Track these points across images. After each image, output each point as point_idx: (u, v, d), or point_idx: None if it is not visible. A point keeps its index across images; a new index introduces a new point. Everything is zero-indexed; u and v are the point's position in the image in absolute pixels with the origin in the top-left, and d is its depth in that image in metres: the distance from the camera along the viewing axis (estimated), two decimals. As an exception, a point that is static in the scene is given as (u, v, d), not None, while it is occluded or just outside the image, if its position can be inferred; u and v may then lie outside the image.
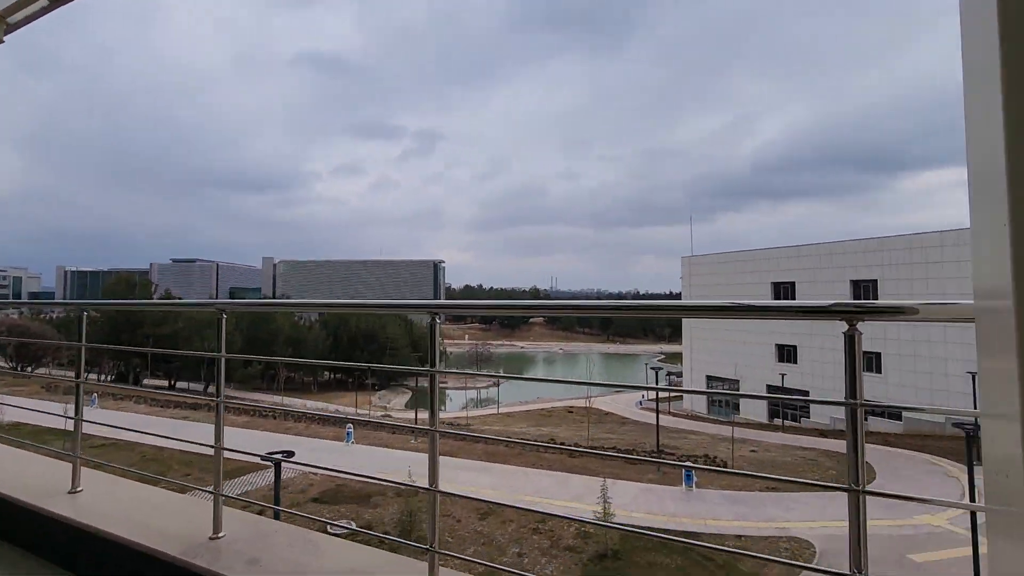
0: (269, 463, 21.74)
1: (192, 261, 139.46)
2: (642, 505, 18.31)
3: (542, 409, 56.94)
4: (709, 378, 55.29)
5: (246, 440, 26.36)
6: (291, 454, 10.19)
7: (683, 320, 59.27)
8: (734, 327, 52.39)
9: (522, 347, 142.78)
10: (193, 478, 21.10)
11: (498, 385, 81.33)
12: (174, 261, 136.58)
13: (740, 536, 15.85)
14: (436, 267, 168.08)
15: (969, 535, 15.92)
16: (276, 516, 10.91)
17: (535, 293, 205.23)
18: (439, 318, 1.95)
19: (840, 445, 30.77)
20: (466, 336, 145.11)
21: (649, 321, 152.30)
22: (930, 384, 38.31)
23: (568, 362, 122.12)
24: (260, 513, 15.06)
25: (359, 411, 48.62)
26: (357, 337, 67.50)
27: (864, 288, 42.13)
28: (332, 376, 71.29)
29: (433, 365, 1.97)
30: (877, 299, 41.22)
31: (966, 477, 22.66)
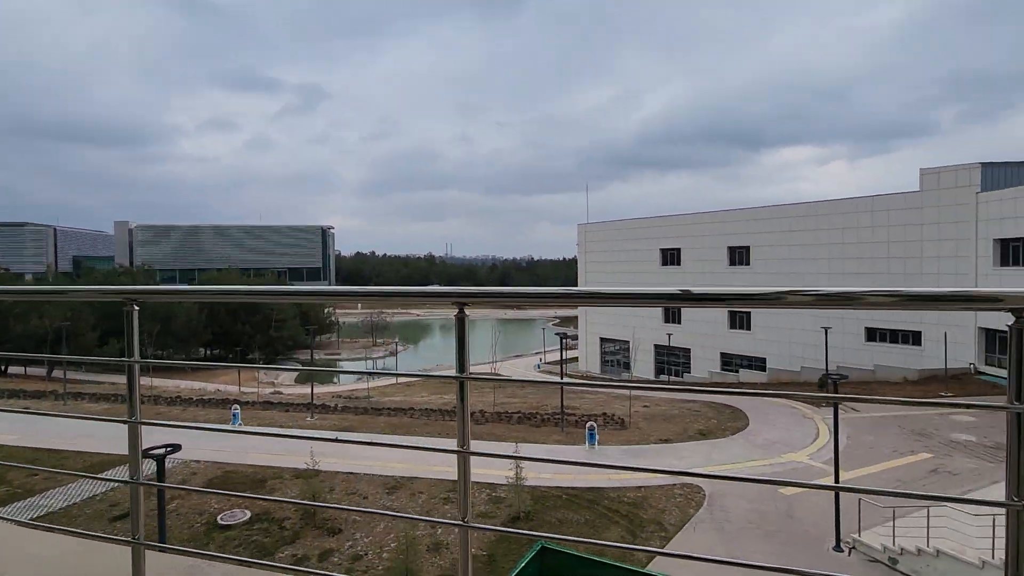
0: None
1: (21, 225, 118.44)
2: (550, 466, 18.82)
3: (443, 378, 56.69)
4: (603, 339, 58.28)
5: (119, 431, 23.16)
6: (176, 448, 8.83)
7: (579, 282, 61.48)
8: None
9: (418, 315, 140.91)
10: (42, 477, 18.17)
11: (395, 355, 79.72)
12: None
13: (640, 487, 16.87)
14: (324, 233, 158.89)
15: (827, 467, 18.33)
16: (161, 529, 9.52)
17: (430, 260, 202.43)
18: (466, 310, 1.44)
19: (714, 397, 34.05)
20: (359, 304, 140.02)
21: (545, 285, 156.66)
22: (788, 338, 43.50)
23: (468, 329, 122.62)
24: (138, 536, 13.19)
25: (242, 389, 45.04)
26: (237, 310, 61.98)
27: (739, 254, 46.20)
28: (208, 352, 65.21)
29: (463, 370, 1.48)
30: (749, 263, 45.75)
31: (819, 418, 26.09)
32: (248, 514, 15.12)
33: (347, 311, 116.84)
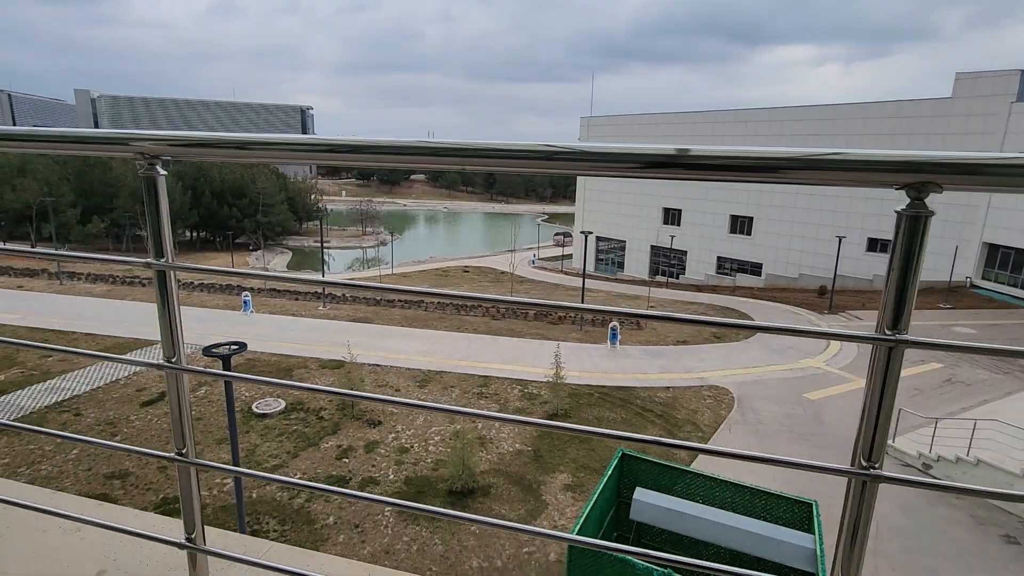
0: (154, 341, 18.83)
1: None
2: (575, 364, 18.91)
3: (438, 269, 56.27)
4: (598, 239, 57.80)
5: (123, 314, 22.42)
6: (242, 347, 8.11)
7: (578, 179, 59.70)
8: (623, 190, 54.06)
9: (404, 205, 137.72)
10: (57, 358, 17.63)
11: (385, 244, 78.44)
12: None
13: (668, 388, 17.15)
14: (304, 113, 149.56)
15: (844, 374, 18.80)
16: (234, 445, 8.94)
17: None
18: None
19: (715, 299, 34.47)
20: (343, 192, 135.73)
21: (531, 180, 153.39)
22: (788, 244, 43.57)
23: (451, 220, 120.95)
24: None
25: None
26: (224, 192, 59.19)
27: (749, 156, 44.63)
28: (194, 235, 63.18)
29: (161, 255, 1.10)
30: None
31: (825, 325, 26.59)
32: (282, 403, 14.98)
33: (332, 198, 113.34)
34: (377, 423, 14.18)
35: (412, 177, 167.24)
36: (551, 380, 15.30)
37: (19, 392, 15.17)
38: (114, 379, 16.37)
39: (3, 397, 14.76)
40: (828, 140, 39.21)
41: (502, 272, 54.76)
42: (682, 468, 8.23)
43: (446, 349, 19.99)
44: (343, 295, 27.20)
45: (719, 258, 48.11)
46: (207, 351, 7.81)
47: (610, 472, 8.25)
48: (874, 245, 39.45)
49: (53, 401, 14.67)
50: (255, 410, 14.58)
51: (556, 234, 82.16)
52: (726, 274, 46.51)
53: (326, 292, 25.82)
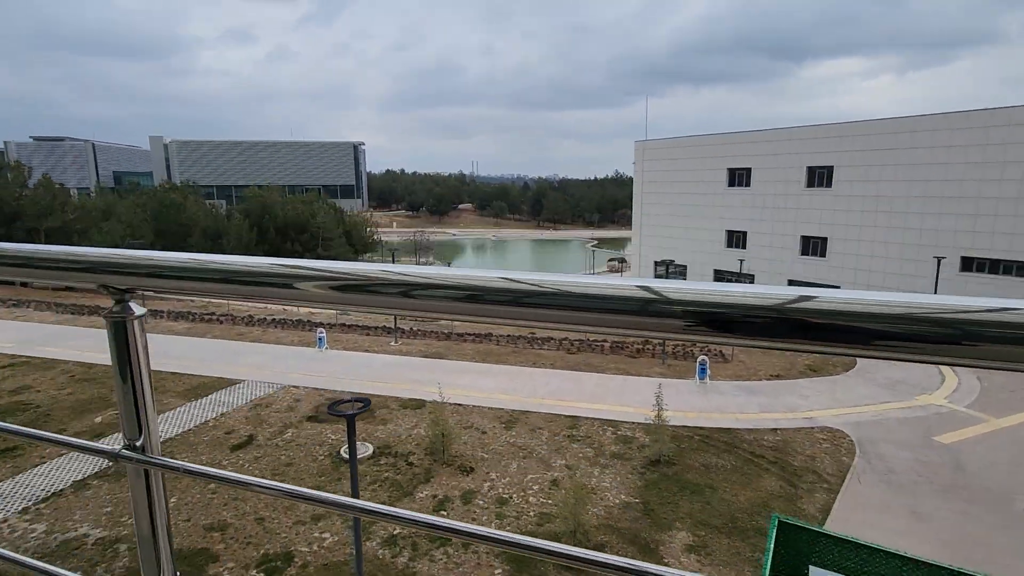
0: (239, 380, 18.81)
1: (60, 139, 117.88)
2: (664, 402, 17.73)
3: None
4: (656, 263, 56.22)
5: (204, 352, 22.87)
6: (367, 404, 7.63)
7: (635, 202, 58.62)
8: (682, 213, 52.55)
9: (453, 234, 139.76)
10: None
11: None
12: (36, 139, 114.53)
13: (776, 430, 15.72)
14: (356, 150, 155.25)
15: (975, 413, 16.79)
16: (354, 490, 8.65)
17: (461, 179, 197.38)
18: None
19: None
20: (394, 223, 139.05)
21: (579, 206, 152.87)
22: (869, 266, 40.87)
23: (500, 248, 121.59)
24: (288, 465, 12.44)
25: (302, 308, 45.20)
26: (286, 228, 61.40)
27: (819, 174, 42.67)
28: (260, 270, 65.50)
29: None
30: (831, 185, 42.18)
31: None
32: (370, 447, 14.53)
33: (384, 229, 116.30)
34: (470, 470, 13.47)
35: (460, 206, 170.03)
36: (650, 421, 14.24)
37: (117, 435, 15.34)
38: (202, 421, 16.42)
39: (103, 440, 14.93)
40: (894, 155, 36.95)
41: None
42: (859, 542, 7.05)
43: (526, 386, 19.21)
44: (411, 328, 27.01)
45: (790, 281, 45.66)
46: (332, 410, 7.35)
47: (772, 546, 7.15)
48: (969, 264, 36.41)
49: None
50: (343, 455, 14.16)
51: (610, 260, 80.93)
52: (799, 298, 43.95)
53: (397, 327, 25.67)
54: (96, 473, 13.21)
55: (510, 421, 16.33)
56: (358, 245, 79.16)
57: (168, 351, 22.85)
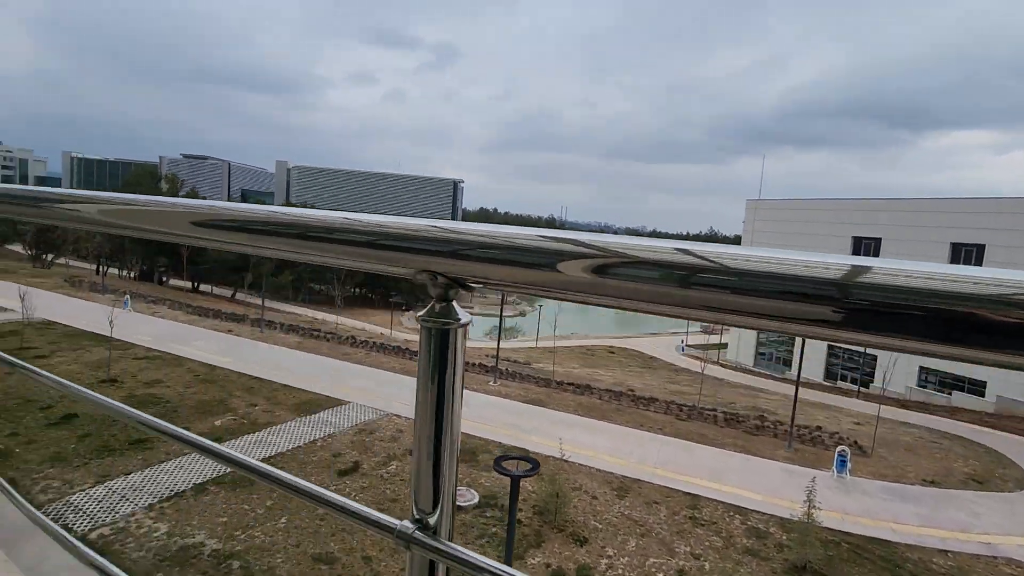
0: (345, 401, 18.84)
1: (204, 158, 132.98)
2: (791, 493, 15.55)
3: (582, 347, 54.52)
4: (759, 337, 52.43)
5: (313, 369, 23.46)
6: (535, 467, 6.86)
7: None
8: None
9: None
10: (261, 409, 18.36)
11: (524, 315, 79.05)
12: (185, 156, 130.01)
13: (946, 551, 13.16)
14: (455, 187, 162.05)
15: None
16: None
17: (551, 222, 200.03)
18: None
19: (948, 424, 28.19)
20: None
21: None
22: None
23: None
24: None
25: (392, 332, 46.19)
26: (387, 254, 64.23)
27: (966, 252, 38.23)
28: (358, 292, 68.61)
29: None
30: (981, 263, 37.51)
31: None
32: (476, 496, 13.72)
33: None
34: (583, 540, 12.23)
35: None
36: (789, 516, 12.36)
37: (233, 441, 15.69)
38: (312, 439, 16.47)
39: (221, 445, 15.28)
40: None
41: (651, 357, 51.53)
42: None
43: (636, 450, 17.73)
44: (507, 369, 26.39)
45: (922, 368, 40.66)
46: (498, 466, 6.66)
47: None
48: None
49: (262, 455, 14.85)
50: (449, 499, 13.43)
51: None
52: (939, 391, 39.02)
53: (496, 366, 25.15)
54: (214, 478, 13.37)
55: (622, 489, 14.95)
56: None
57: (281, 362, 23.69)
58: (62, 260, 52.56)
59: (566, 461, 14.61)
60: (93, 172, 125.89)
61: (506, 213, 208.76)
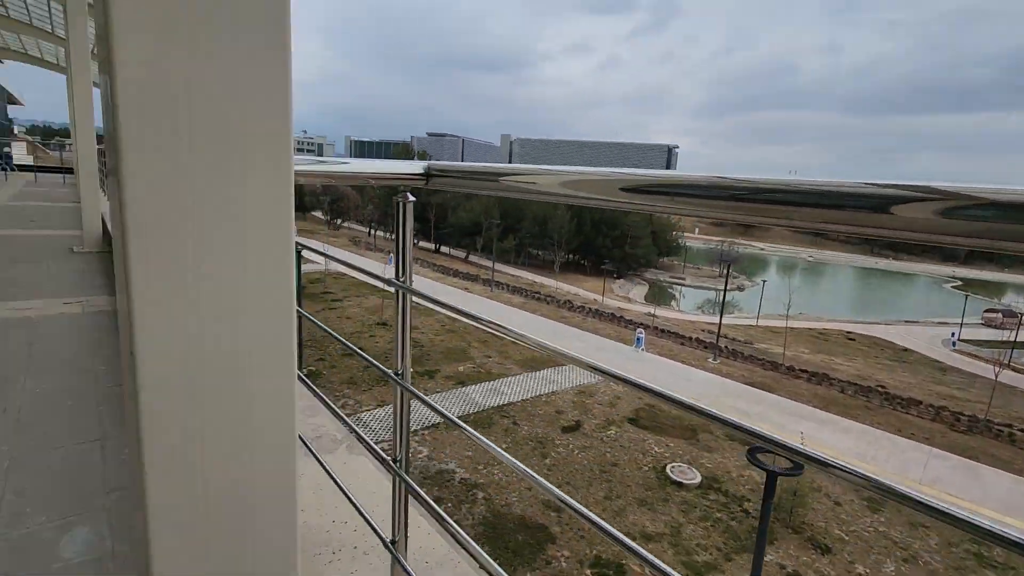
0: (563, 359, 19.93)
1: (443, 136, 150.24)
2: None
3: (812, 330, 48.08)
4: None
5: (539, 330, 25.31)
6: (798, 468, 6.42)
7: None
8: None
9: (761, 248, 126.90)
10: (495, 361, 20.42)
11: (742, 289, 72.53)
12: (429, 135, 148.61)
13: None
14: (670, 152, 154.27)
15: None
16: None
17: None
18: (411, 196, 1.32)
19: None
20: (696, 230, 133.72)
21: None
22: None
23: (813, 272, 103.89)
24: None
25: (604, 299, 46.67)
26: (601, 223, 64.71)
27: None
28: (571, 258, 70.93)
29: (402, 275, 1.37)
30: None
31: None
32: (697, 475, 13.34)
33: (691, 236, 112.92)
34: (825, 549, 11.01)
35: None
36: None
37: (472, 387, 17.86)
38: (536, 394, 17.83)
39: (462, 389, 17.57)
40: None
41: (904, 349, 43.03)
42: None
43: (891, 459, 15.16)
44: (728, 348, 24.67)
45: None
46: (753, 458, 6.36)
47: None
48: None
49: (495, 403, 16.65)
50: (670, 474, 13.33)
51: (988, 311, 61.00)
52: None
53: (717, 342, 23.72)
54: (461, 416, 15.45)
55: (873, 500, 12.96)
56: (662, 247, 78.52)
57: (509, 320, 25.92)
58: (346, 224, 65.52)
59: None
60: (364, 151, 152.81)
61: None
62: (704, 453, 14.68)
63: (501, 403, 16.69)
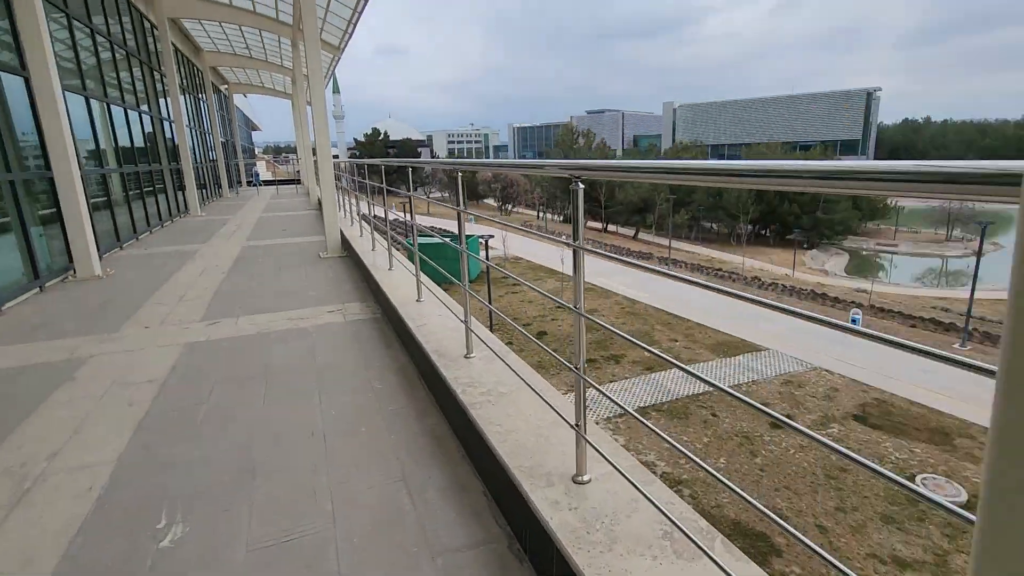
0: (763, 348, 17.85)
1: (601, 112, 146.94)
2: None
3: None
4: None
5: (722, 309, 23.22)
6: None
7: None
8: None
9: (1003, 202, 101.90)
10: (682, 345, 19.17)
11: (977, 255, 58.88)
12: (588, 113, 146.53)
13: None
14: (869, 97, 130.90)
15: None
16: None
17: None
18: (579, 184, 1.58)
19: None
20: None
21: None
22: None
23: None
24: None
25: (794, 273, 41.32)
26: (785, 194, 57.34)
27: None
28: (753, 229, 64.51)
29: (576, 239, 1.63)
30: None
31: None
32: (963, 492, 10.88)
33: (909, 195, 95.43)
34: None
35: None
36: None
37: (661, 373, 16.95)
38: (736, 382, 16.29)
39: (651, 375, 16.76)
40: None
41: None
42: None
43: None
44: (982, 329, 19.88)
45: None
46: None
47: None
48: None
49: (690, 392, 15.56)
50: (922, 487, 11.08)
51: None
52: None
53: (969, 324, 19.29)
54: (653, 405, 14.74)
55: None
56: (865, 210, 67.24)
57: (691, 301, 24.29)
58: (516, 209, 68.07)
59: None
60: (527, 137, 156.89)
61: (945, 122, 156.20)
62: (966, 464, 11.96)
63: (696, 391, 15.55)
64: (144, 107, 12.33)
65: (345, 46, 14.73)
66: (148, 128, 12.54)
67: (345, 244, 7.94)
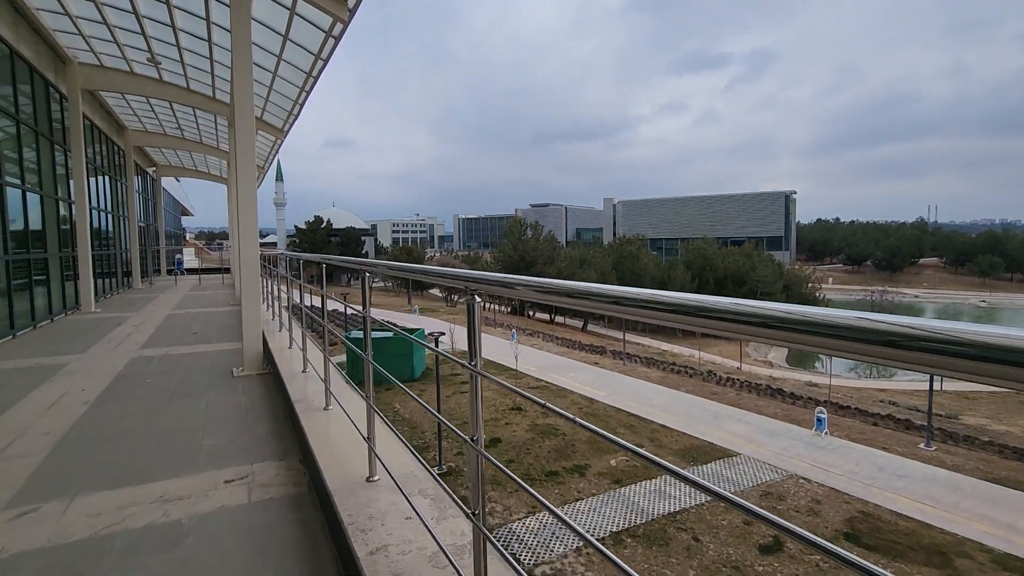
0: (735, 452, 16.68)
1: (546, 205, 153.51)
2: None
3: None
4: None
5: (685, 408, 22.16)
6: None
7: None
8: None
9: (915, 296, 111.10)
10: (648, 450, 17.57)
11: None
12: (532, 206, 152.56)
13: None
14: (787, 199, 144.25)
15: None
16: None
17: (921, 227, 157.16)
18: (477, 297, 1.51)
19: None
20: (829, 279, 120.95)
21: None
22: None
23: (988, 321, 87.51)
24: None
25: (742, 366, 41.61)
26: (726, 279, 59.97)
27: None
28: (694, 321, 66.15)
29: (472, 359, 1.51)
30: None
31: None
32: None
33: (838, 287, 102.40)
34: None
35: (920, 261, 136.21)
36: None
37: (631, 487, 15.27)
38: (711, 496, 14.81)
39: (620, 490, 15.04)
40: None
41: None
42: None
43: None
44: (944, 428, 19.71)
45: None
46: None
47: None
48: None
49: (665, 510, 13.91)
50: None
51: None
52: None
53: (930, 422, 19.02)
54: (627, 529, 12.91)
55: None
56: (796, 301, 70.97)
57: (652, 399, 23.19)
58: (461, 300, 67.00)
59: None
60: (473, 228, 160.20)
61: (852, 222, 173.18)
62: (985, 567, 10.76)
63: (673, 509, 13.92)
64: (40, 188, 10.51)
65: (289, 129, 13.72)
66: (41, 211, 10.63)
67: (268, 356, 6.27)
